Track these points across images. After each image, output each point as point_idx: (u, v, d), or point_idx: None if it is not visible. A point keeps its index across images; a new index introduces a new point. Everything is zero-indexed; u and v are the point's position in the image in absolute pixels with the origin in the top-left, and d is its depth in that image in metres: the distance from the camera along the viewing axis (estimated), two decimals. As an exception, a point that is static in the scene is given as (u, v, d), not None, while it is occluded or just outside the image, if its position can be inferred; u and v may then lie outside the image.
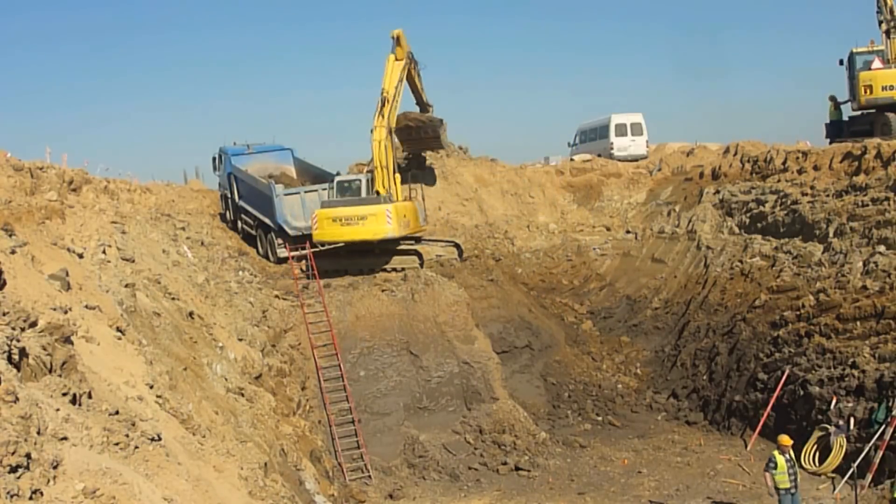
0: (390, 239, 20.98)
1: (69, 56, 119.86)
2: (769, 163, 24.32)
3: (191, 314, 13.78)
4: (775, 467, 12.80)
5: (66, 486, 5.17)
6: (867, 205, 19.20)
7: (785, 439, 13.12)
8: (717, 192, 25.34)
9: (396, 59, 22.18)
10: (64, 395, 6.48)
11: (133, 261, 13.31)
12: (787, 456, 12.92)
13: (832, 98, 24.92)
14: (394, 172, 21.61)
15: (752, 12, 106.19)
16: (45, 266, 9.75)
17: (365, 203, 20.85)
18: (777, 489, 12.93)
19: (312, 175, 25.24)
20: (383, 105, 21.55)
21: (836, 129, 24.85)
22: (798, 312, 18.37)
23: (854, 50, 23.62)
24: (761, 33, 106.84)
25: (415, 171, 25.65)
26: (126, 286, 11.60)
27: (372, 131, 21.39)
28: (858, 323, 16.76)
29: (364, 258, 21.65)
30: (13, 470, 4.82)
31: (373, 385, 18.94)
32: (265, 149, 26.13)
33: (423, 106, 25.48)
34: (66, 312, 8.49)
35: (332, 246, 21.69)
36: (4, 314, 6.76)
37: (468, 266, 23.60)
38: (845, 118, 24.89)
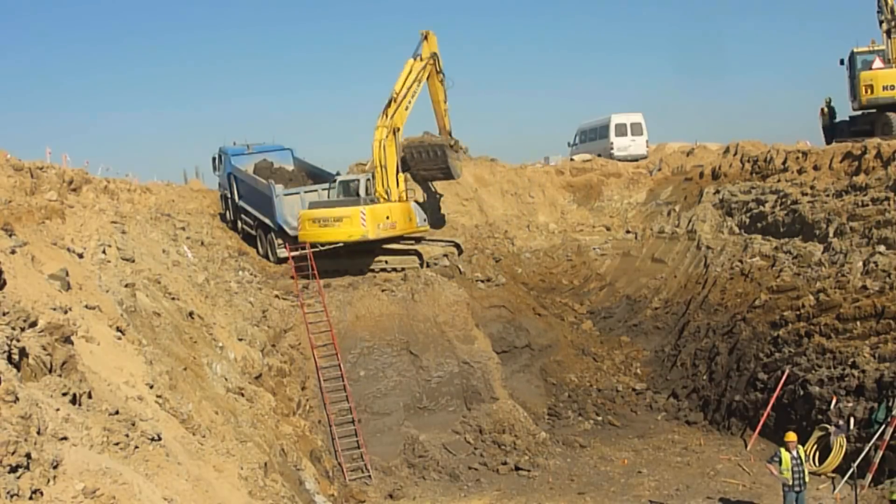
0: (369, 240, 20.76)
1: (69, 56, 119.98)
2: (769, 163, 24.32)
3: (191, 314, 13.77)
4: (780, 463, 12.84)
5: (66, 486, 5.17)
6: (867, 205, 19.20)
7: (791, 436, 13.15)
8: (717, 191, 25.33)
9: (421, 59, 21.94)
10: (64, 395, 6.47)
11: (133, 261, 13.29)
12: (794, 454, 12.95)
13: (827, 101, 25.12)
14: (397, 172, 21.58)
15: (753, 12, 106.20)
16: (45, 266, 9.73)
17: (342, 205, 20.98)
18: (782, 485, 12.97)
19: (312, 175, 25.25)
20: (389, 105, 21.50)
21: (832, 132, 25.07)
22: (798, 312, 18.37)
23: (855, 50, 23.68)
24: (762, 33, 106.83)
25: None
26: (126, 286, 11.59)
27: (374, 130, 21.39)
28: (858, 323, 16.76)
29: (364, 258, 21.66)
30: (13, 470, 4.82)
31: (373, 385, 18.93)
32: (265, 149, 26.14)
33: (441, 127, 23.92)
34: (66, 312, 8.47)
35: (333, 246, 21.70)
36: (4, 314, 6.75)
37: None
38: (846, 118, 24.99)
